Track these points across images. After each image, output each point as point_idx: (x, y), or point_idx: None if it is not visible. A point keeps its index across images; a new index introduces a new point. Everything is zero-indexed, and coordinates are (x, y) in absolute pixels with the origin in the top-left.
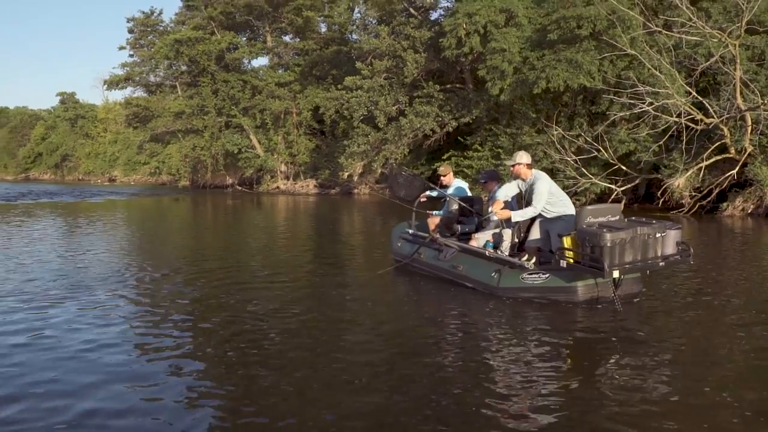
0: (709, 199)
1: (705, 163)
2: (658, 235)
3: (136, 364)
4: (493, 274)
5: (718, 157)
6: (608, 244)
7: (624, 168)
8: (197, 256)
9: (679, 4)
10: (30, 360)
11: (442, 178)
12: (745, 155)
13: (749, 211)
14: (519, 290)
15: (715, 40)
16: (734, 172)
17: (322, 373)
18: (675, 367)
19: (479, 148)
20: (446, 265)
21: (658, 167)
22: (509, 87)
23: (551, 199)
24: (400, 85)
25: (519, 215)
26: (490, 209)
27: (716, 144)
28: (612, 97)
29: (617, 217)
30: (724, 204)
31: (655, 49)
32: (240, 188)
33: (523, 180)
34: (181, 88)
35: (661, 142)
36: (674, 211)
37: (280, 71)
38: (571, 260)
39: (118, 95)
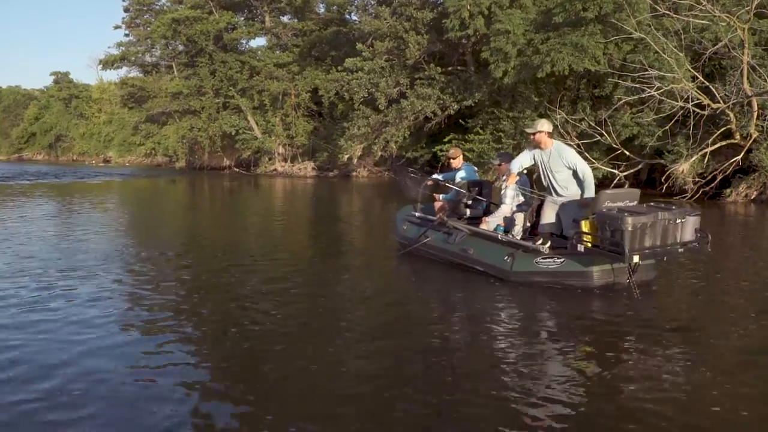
0: (712, 185)
1: (710, 148)
2: (678, 221)
3: (126, 345)
4: (506, 258)
5: (723, 143)
6: (629, 228)
7: (627, 153)
8: (195, 238)
9: None
10: (22, 341)
11: (451, 160)
12: (751, 141)
13: (752, 198)
14: (533, 274)
15: (723, 24)
16: (739, 158)
17: (322, 359)
18: (693, 357)
19: (480, 131)
20: (456, 249)
21: (660, 152)
22: (513, 70)
23: (569, 178)
24: (402, 67)
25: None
26: (502, 192)
27: (721, 129)
28: (617, 81)
29: (635, 202)
30: (728, 190)
31: (661, 33)
32: (237, 170)
33: (542, 149)
34: (177, 68)
35: (666, 127)
36: (677, 197)
37: (278, 52)
38: (589, 244)
39: (113, 75)
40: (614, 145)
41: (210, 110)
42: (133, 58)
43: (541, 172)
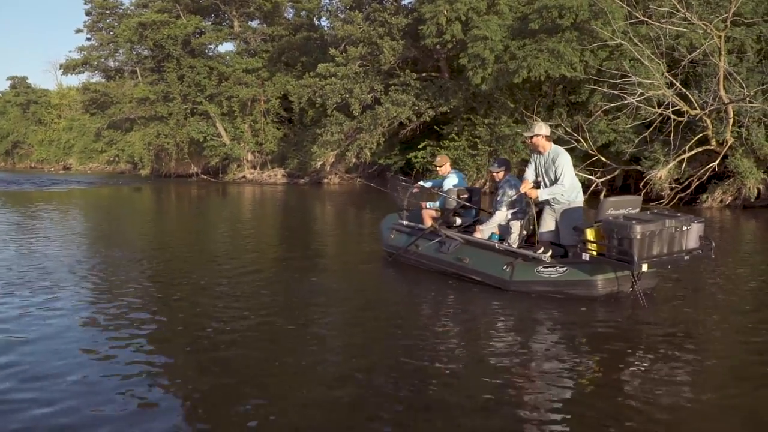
0: (688, 191)
1: (687, 154)
2: (684, 228)
3: (88, 354)
4: (505, 267)
5: (699, 149)
6: (638, 236)
7: (603, 159)
8: (162, 247)
9: None
10: None
11: (438, 168)
12: (726, 147)
13: (727, 203)
14: (534, 284)
15: (701, 31)
16: (715, 163)
17: (304, 379)
18: (700, 366)
19: (456, 137)
20: (450, 258)
21: (637, 158)
22: (491, 76)
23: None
24: (376, 73)
25: (547, 193)
26: (498, 198)
27: (698, 136)
28: (594, 87)
29: (637, 209)
30: (704, 195)
31: (636, 40)
32: (205, 177)
33: (540, 153)
34: (142, 73)
35: (645, 134)
36: (653, 203)
37: (247, 57)
38: (595, 253)
39: (73, 80)
40: (591, 152)
41: (177, 116)
42: (95, 63)
43: (540, 177)
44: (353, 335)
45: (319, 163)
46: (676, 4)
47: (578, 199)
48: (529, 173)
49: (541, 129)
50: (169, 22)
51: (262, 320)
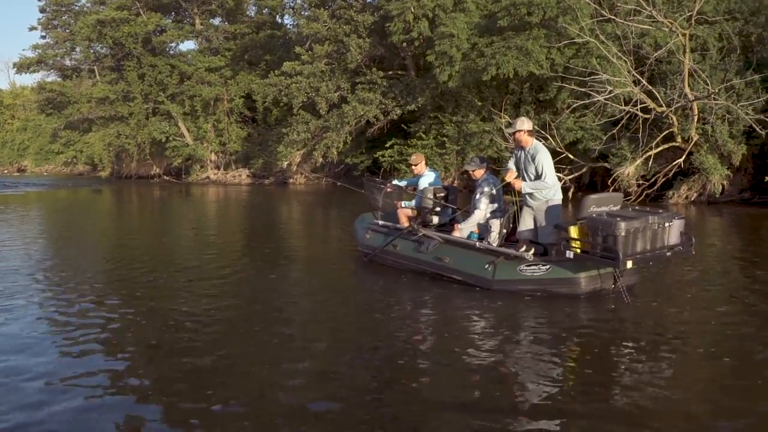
0: (654, 187)
1: (653, 151)
2: (666, 224)
3: (48, 365)
4: (486, 266)
5: (665, 146)
6: (623, 233)
7: (571, 156)
8: (122, 250)
9: None
10: None
11: (413, 167)
12: (692, 144)
13: (692, 199)
14: (516, 282)
15: (666, 29)
16: (681, 160)
17: (276, 386)
18: (683, 362)
19: (423, 136)
20: (429, 258)
21: (604, 156)
22: (458, 73)
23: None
24: (342, 71)
25: (529, 186)
26: (476, 197)
27: (664, 133)
28: (562, 84)
29: (618, 206)
30: (670, 192)
31: (603, 38)
32: (167, 178)
33: (522, 148)
34: (100, 72)
35: (614, 131)
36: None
37: (209, 56)
38: (578, 250)
39: (27, 79)
40: (558, 149)
41: (138, 116)
42: (51, 62)
43: (521, 172)
44: (326, 336)
45: (286, 163)
46: (642, 2)
47: (557, 196)
48: (511, 165)
49: (524, 124)
50: (129, 19)
51: (227, 323)
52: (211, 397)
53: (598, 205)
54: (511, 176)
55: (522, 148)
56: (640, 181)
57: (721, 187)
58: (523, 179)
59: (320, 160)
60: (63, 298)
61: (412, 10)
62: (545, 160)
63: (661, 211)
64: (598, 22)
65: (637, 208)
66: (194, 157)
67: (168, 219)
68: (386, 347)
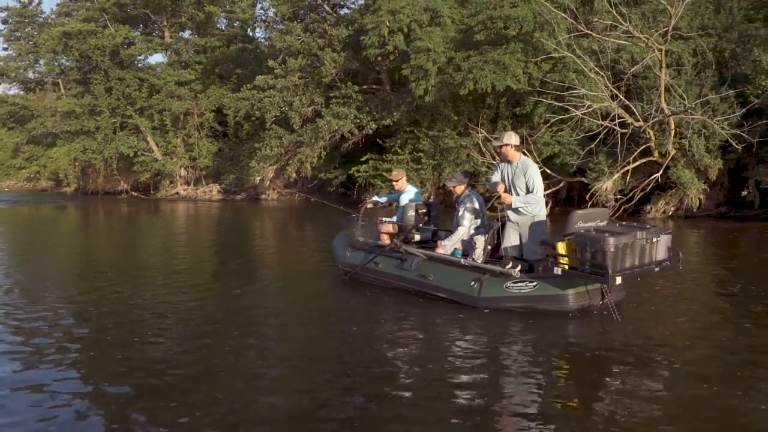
0: (632, 202)
1: (631, 166)
2: (654, 239)
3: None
4: (472, 284)
5: (643, 160)
6: (611, 249)
7: (548, 171)
8: (88, 267)
9: (610, 8)
10: None
11: (394, 183)
12: (669, 158)
13: (669, 214)
14: (503, 300)
15: (642, 44)
16: (658, 174)
17: (245, 401)
18: (673, 380)
19: (399, 151)
20: (412, 275)
21: (581, 170)
22: (434, 87)
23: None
24: (316, 85)
25: (520, 201)
26: (459, 213)
27: (641, 147)
28: (539, 99)
29: (605, 222)
30: (648, 206)
31: (579, 53)
32: (135, 194)
33: (509, 162)
34: (65, 85)
35: (591, 146)
36: None
37: (179, 69)
38: (566, 267)
39: None
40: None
41: (106, 130)
42: (13, 74)
43: (511, 187)
44: (304, 356)
45: (258, 179)
46: (618, 17)
47: (542, 212)
48: (496, 179)
49: (511, 138)
50: (96, 31)
51: (197, 343)
52: (177, 414)
53: (585, 220)
54: (501, 189)
55: (509, 162)
56: (618, 196)
57: (698, 201)
58: (513, 192)
59: (293, 175)
60: (23, 317)
61: (387, 24)
62: (536, 175)
63: (648, 226)
64: (575, 36)
65: (623, 223)
66: (163, 172)
67: (136, 235)
68: (368, 366)
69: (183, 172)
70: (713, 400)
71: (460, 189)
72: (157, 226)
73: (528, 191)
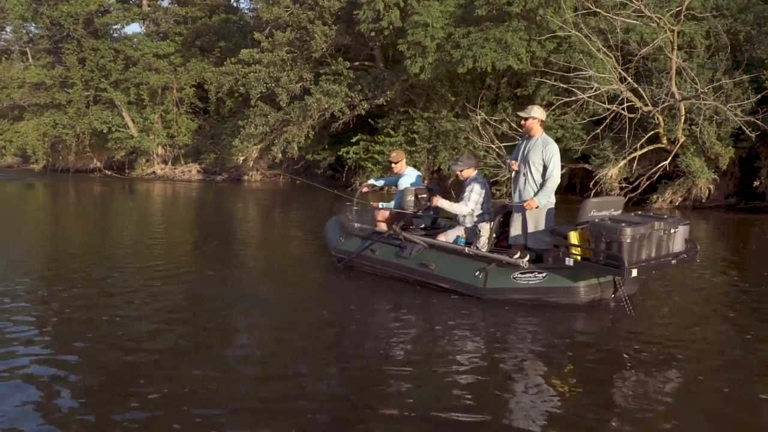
0: (638, 191)
1: (638, 152)
2: (672, 231)
3: None
4: (477, 274)
5: (650, 147)
6: (628, 240)
7: None
8: (57, 250)
9: None
10: None
11: (393, 165)
12: (678, 146)
13: (677, 204)
14: (510, 291)
15: (653, 25)
16: (666, 162)
17: (228, 393)
18: (686, 376)
19: (392, 132)
20: (413, 264)
21: (585, 156)
22: (431, 65)
23: (540, 175)
24: (305, 61)
25: (545, 196)
26: (464, 194)
27: (649, 134)
28: (542, 80)
29: (620, 211)
30: (654, 196)
31: (586, 31)
32: (109, 173)
33: (530, 138)
34: (34, 54)
35: (597, 131)
36: None
37: (157, 41)
38: (579, 257)
39: None
40: None
41: (78, 104)
42: None
43: (526, 161)
44: (293, 348)
45: (241, 159)
46: None
47: (552, 199)
48: (515, 158)
49: (536, 112)
50: None
51: (176, 333)
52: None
53: (599, 209)
54: (514, 166)
55: (530, 137)
56: (623, 184)
57: (707, 191)
58: (525, 169)
59: (279, 156)
60: None
61: None
62: (556, 154)
63: (666, 216)
64: (582, 15)
65: (640, 213)
66: (139, 150)
67: (109, 217)
68: (363, 360)
69: (160, 150)
70: (727, 398)
71: (468, 173)
72: (132, 207)
73: (544, 168)
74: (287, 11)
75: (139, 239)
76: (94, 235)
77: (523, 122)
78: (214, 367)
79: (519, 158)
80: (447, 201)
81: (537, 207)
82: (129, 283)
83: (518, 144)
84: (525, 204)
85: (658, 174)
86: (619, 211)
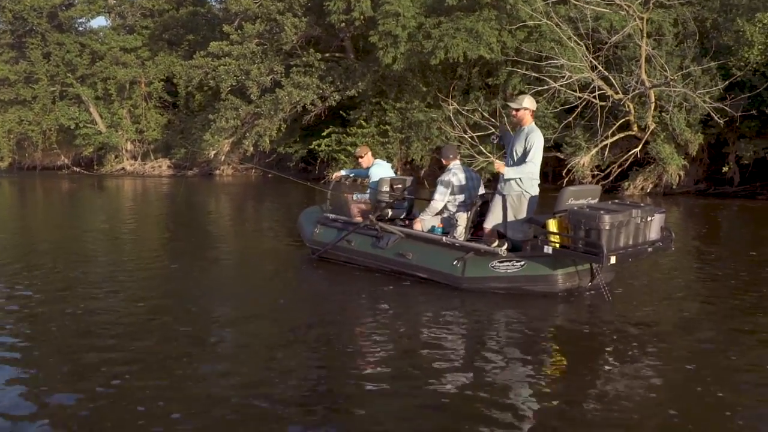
0: (610, 178)
1: (609, 140)
2: (648, 218)
3: None
4: (455, 263)
5: (621, 135)
6: (607, 227)
7: None
8: (23, 250)
9: None
10: None
11: (359, 159)
12: (648, 133)
13: (648, 190)
14: (488, 280)
15: (623, 12)
16: (637, 150)
17: (203, 393)
18: (663, 362)
19: (364, 123)
20: (389, 254)
21: (557, 145)
22: (403, 55)
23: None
24: (276, 53)
25: (514, 172)
26: (437, 191)
27: (620, 121)
28: (514, 69)
29: (597, 199)
30: (626, 183)
31: (556, 20)
32: (77, 169)
33: (521, 128)
34: None
35: (569, 119)
36: None
37: (124, 34)
38: (557, 245)
39: None
40: None
41: (44, 100)
42: None
43: (511, 152)
44: (267, 342)
45: (212, 153)
46: None
47: (532, 190)
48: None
49: (527, 102)
50: None
51: (148, 330)
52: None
53: (576, 197)
54: (500, 168)
55: (521, 127)
56: (595, 172)
57: (677, 177)
58: (510, 157)
59: (251, 149)
60: None
61: None
62: (537, 141)
63: (642, 204)
64: (552, 3)
65: (617, 201)
66: (108, 145)
67: (78, 214)
68: (340, 352)
69: (129, 145)
70: (702, 383)
71: (447, 163)
72: (101, 203)
73: (524, 155)
74: (256, 3)
75: (108, 235)
76: (62, 231)
77: (513, 113)
78: (182, 365)
79: (508, 149)
80: (425, 215)
81: (502, 171)
82: (94, 279)
83: (503, 133)
84: (495, 165)
85: (629, 161)
86: (596, 200)
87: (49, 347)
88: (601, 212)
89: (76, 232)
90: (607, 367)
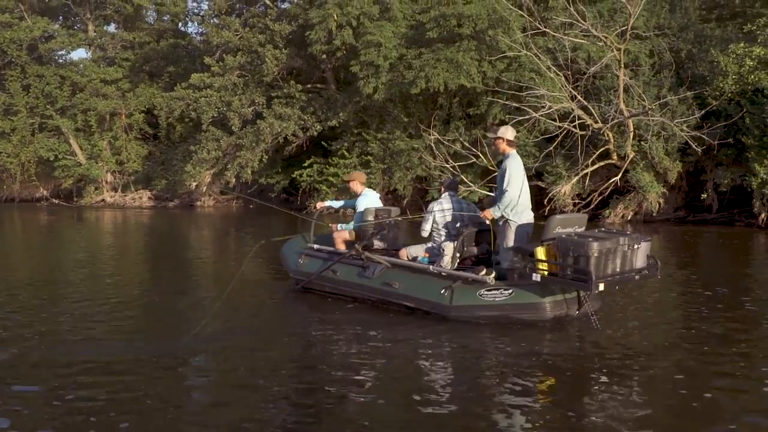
0: (591, 206)
1: (590, 169)
2: (635, 246)
3: None
4: (443, 292)
5: (601, 163)
6: (595, 254)
7: None
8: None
9: (567, 5)
10: None
11: (349, 184)
12: (628, 161)
13: (628, 218)
14: (477, 308)
15: (600, 43)
16: (617, 178)
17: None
18: (650, 390)
19: (346, 154)
20: (375, 284)
21: (539, 174)
22: (384, 85)
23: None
24: (257, 84)
25: (499, 211)
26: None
27: (600, 150)
28: (494, 99)
29: (583, 228)
30: (607, 210)
31: (535, 51)
32: (56, 201)
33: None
34: None
35: (550, 149)
36: None
37: (104, 66)
38: (546, 273)
39: None
40: (490, 167)
41: (23, 132)
42: None
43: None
44: (251, 376)
45: (194, 184)
46: (576, 14)
47: (517, 218)
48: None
49: (506, 133)
50: (11, 23)
51: (127, 362)
52: None
53: (564, 225)
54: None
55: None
56: (576, 200)
57: (657, 205)
58: (497, 190)
59: (233, 180)
60: None
61: (335, 17)
62: (509, 170)
63: (629, 232)
64: (531, 35)
65: (603, 229)
66: (88, 177)
67: (57, 246)
68: (326, 385)
69: (109, 177)
70: (689, 409)
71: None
72: (81, 235)
73: (503, 182)
74: (237, 35)
75: (86, 268)
76: (40, 264)
77: (492, 143)
78: (166, 397)
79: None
80: (412, 247)
81: (492, 218)
82: (72, 311)
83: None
84: (483, 213)
85: (609, 189)
86: (583, 228)
87: (17, 374)
88: (590, 239)
89: (54, 264)
90: (598, 396)
